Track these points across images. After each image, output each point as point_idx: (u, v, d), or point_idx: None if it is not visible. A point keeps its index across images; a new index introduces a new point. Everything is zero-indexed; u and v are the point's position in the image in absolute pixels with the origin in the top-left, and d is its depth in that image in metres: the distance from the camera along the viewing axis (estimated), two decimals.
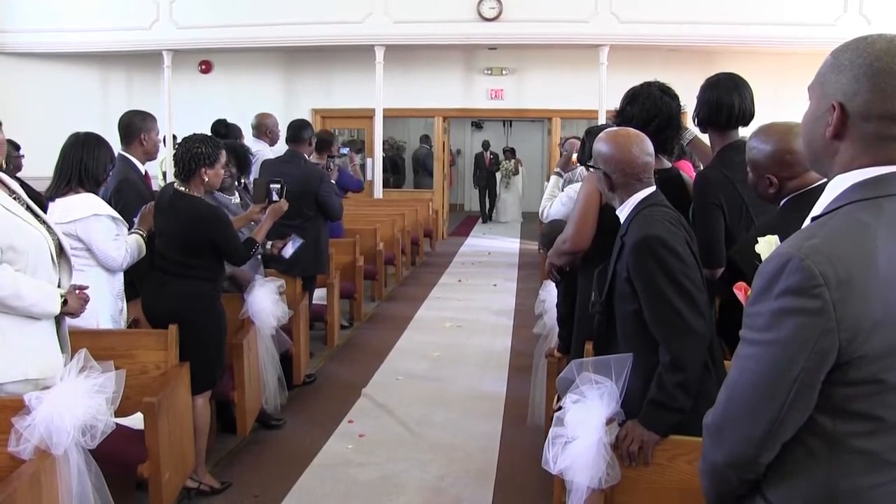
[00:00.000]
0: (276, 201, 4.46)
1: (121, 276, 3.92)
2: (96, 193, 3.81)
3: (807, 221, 1.44)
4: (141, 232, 3.96)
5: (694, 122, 3.42)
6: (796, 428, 1.35)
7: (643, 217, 2.59)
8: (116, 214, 3.84)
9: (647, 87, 3.35)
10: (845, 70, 1.36)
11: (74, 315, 3.01)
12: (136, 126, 4.62)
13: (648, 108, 3.24)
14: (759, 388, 1.36)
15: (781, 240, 1.55)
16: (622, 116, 3.32)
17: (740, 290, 1.88)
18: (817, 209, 1.42)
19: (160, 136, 4.77)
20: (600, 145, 2.75)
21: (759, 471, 1.42)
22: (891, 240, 1.30)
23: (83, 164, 3.72)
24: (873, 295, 1.27)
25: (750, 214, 3.25)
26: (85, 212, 3.69)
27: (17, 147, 6.80)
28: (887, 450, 1.31)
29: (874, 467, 1.31)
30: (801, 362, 1.30)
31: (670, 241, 2.48)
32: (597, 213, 3.17)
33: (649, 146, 2.72)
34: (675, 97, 3.34)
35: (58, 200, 3.70)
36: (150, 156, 4.71)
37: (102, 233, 3.72)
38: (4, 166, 2.87)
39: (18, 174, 5.59)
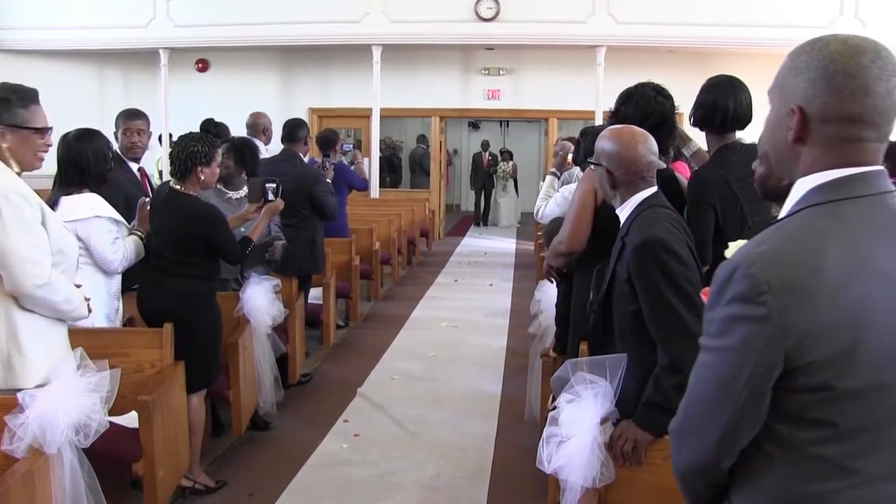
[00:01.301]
0: (271, 200, 4.46)
1: (118, 276, 3.92)
2: (100, 191, 3.81)
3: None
4: (140, 233, 3.95)
5: (690, 121, 3.43)
6: (752, 434, 1.34)
7: (645, 218, 2.57)
8: (119, 217, 3.84)
9: (641, 87, 3.35)
10: (802, 73, 1.35)
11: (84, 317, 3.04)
12: (115, 124, 4.70)
13: (643, 107, 3.24)
14: (712, 395, 1.36)
15: None
16: (616, 117, 3.32)
17: (705, 296, 1.88)
18: (782, 212, 1.42)
19: (132, 135, 4.70)
20: (604, 142, 2.72)
21: (721, 475, 1.42)
22: (842, 245, 1.28)
23: (81, 161, 3.71)
24: (820, 301, 1.25)
25: (745, 214, 3.27)
26: (87, 212, 3.69)
27: None
28: (844, 455, 1.29)
29: (832, 473, 1.30)
30: (749, 370, 1.29)
31: (672, 244, 2.47)
32: (592, 215, 3.16)
33: (654, 145, 2.70)
34: (668, 97, 3.34)
35: (62, 200, 3.70)
36: (129, 153, 4.70)
37: (102, 234, 3.71)
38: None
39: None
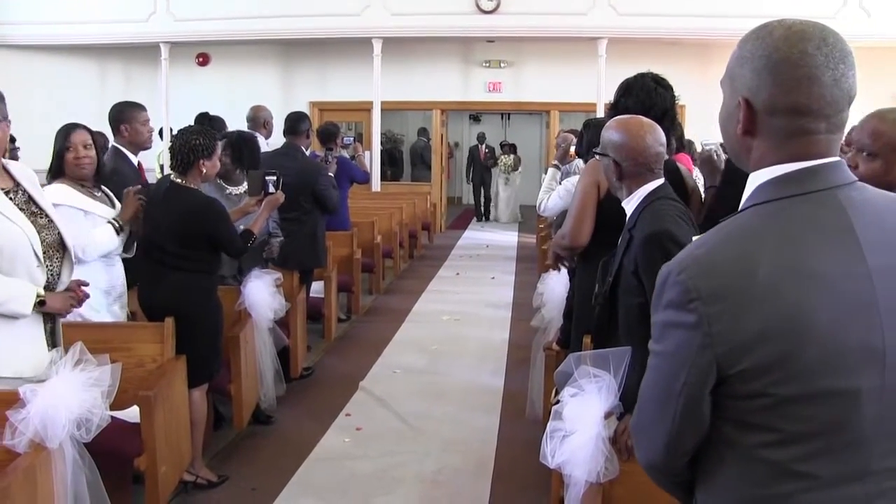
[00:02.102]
0: (271, 193, 4.44)
1: (114, 274, 3.87)
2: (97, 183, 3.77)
3: None
4: (115, 223, 3.81)
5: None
6: (698, 437, 1.31)
7: (653, 211, 2.55)
8: (88, 207, 3.74)
9: (641, 78, 3.33)
10: (747, 63, 1.30)
11: (61, 315, 2.96)
12: (115, 117, 4.65)
13: (643, 99, 3.22)
14: (655, 399, 1.34)
15: None
16: (617, 109, 3.29)
17: None
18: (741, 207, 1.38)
19: (147, 125, 4.70)
20: (611, 133, 2.68)
21: (676, 473, 1.40)
22: (779, 247, 1.23)
23: (57, 153, 3.73)
24: (752, 309, 1.21)
25: None
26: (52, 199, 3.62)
27: (11, 139, 6.74)
28: (793, 460, 1.25)
29: (782, 477, 1.26)
30: (684, 376, 1.26)
31: (681, 238, 2.44)
32: (595, 209, 3.14)
33: (662, 136, 2.67)
34: (669, 88, 3.32)
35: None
36: (137, 146, 4.68)
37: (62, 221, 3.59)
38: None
39: None
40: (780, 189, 1.29)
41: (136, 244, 3.97)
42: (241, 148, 4.95)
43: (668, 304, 1.28)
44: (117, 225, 3.81)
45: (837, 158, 1.31)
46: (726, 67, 1.37)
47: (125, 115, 4.65)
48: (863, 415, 1.24)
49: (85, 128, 3.82)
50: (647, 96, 3.24)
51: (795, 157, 1.29)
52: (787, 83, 1.26)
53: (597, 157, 2.85)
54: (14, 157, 6.23)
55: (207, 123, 6.04)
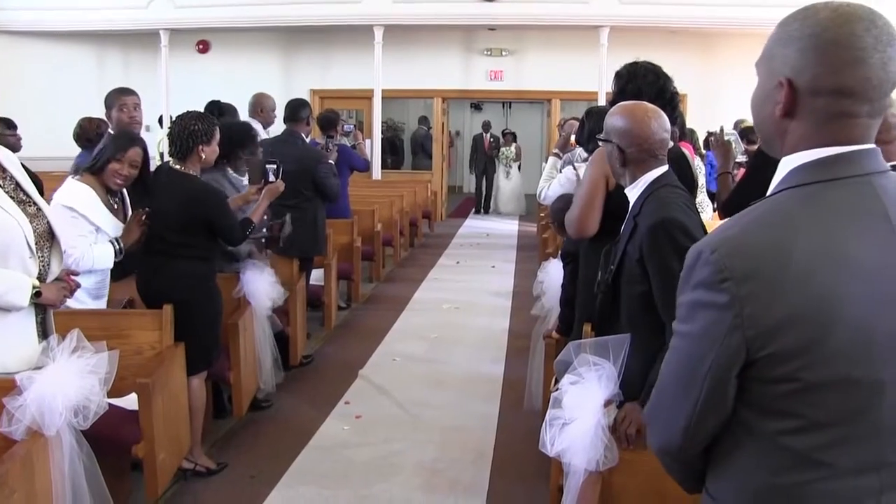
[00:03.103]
0: (272, 182, 4.42)
1: (99, 275, 3.81)
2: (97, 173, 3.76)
3: None
4: (116, 244, 3.75)
5: None
6: (719, 422, 1.30)
7: (658, 198, 2.51)
8: (100, 222, 3.69)
9: (637, 65, 3.30)
10: (792, 42, 1.27)
11: (55, 305, 2.93)
12: (104, 103, 4.65)
13: (651, 81, 3.19)
14: (678, 381, 1.33)
15: None
16: (625, 96, 3.25)
17: None
18: (769, 191, 1.35)
19: (127, 111, 4.62)
20: (615, 119, 2.64)
21: (690, 460, 1.39)
22: (814, 232, 1.22)
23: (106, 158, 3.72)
24: (785, 290, 1.19)
25: None
26: (66, 200, 3.62)
27: (10, 125, 6.70)
28: (814, 448, 1.24)
29: (801, 465, 1.25)
30: (711, 357, 1.25)
31: (688, 226, 2.42)
32: (603, 199, 3.10)
33: (667, 122, 2.63)
34: (666, 74, 3.31)
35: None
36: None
37: (67, 223, 3.48)
38: None
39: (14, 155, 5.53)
40: (814, 173, 1.27)
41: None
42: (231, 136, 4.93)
43: (698, 283, 1.26)
44: (118, 247, 3.74)
45: (873, 145, 1.29)
46: (764, 48, 1.35)
47: (108, 100, 4.66)
48: (885, 406, 1.23)
49: (141, 144, 3.79)
50: (656, 78, 3.21)
51: (833, 140, 1.27)
52: (834, 64, 1.24)
53: (600, 143, 2.81)
54: (11, 145, 6.22)
55: (217, 112, 6.02)
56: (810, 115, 1.28)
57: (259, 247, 4.81)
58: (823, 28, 1.24)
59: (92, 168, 3.71)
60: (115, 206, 3.82)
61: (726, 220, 1.32)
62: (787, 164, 1.31)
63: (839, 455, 1.24)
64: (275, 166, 4.43)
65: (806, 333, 1.20)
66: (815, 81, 1.26)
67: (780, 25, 1.32)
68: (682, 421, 1.33)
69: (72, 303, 3.41)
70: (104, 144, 3.81)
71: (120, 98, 4.64)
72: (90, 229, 3.66)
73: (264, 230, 4.73)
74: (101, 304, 3.90)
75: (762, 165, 3.10)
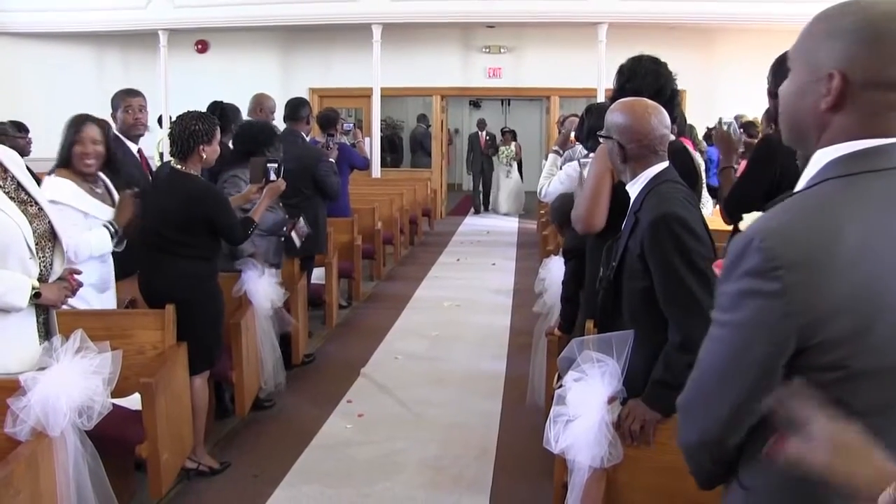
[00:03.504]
0: (273, 181, 4.42)
1: (103, 268, 3.84)
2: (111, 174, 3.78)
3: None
4: (111, 227, 3.76)
5: (769, 96, 3.38)
6: (762, 412, 1.30)
7: (659, 194, 2.51)
8: (87, 208, 3.71)
9: (640, 61, 3.30)
10: (844, 36, 1.28)
11: (56, 306, 2.92)
12: (111, 105, 4.65)
13: (651, 82, 3.19)
14: (722, 371, 1.33)
15: None
16: (624, 94, 3.25)
17: (718, 268, 1.77)
18: (799, 184, 1.37)
19: (132, 112, 4.64)
20: (615, 115, 2.65)
21: (727, 453, 1.39)
22: (859, 220, 1.23)
23: (67, 144, 3.72)
24: (834, 278, 1.20)
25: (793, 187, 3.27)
26: (47, 194, 3.60)
27: (21, 128, 6.72)
28: None
29: None
30: (761, 346, 1.26)
31: (689, 221, 2.42)
32: (609, 194, 3.10)
33: (667, 118, 2.64)
34: (667, 68, 3.31)
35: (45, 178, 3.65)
36: (128, 133, 4.65)
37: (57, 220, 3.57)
38: None
39: (24, 158, 5.55)
40: (856, 164, 1.28)
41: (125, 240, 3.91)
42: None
43: (747, 271, 1.26)
44: (112, 229, 3.75)
45: None
46: (801, 42, 1.36)
47: (114, 101, 4.69)
48: None
49: (96, 121, 3.80)
50: (655, 79, 3.21)
51: (877, 133, 1.28)
52: (887, 56, 1.25)
53: (601, 140, 2.81)
54: (24, 148, 6.23)
55: (220, 112, 6.02)
56: (858, 108, 1.29)
57: (279, 250, 4.85)
58: (877, 22, 1.26)
59: (61, 161, 3.73)
60: (100, 192, 3.84)
61: (769, 210, 1.32)
62: (824, 156, 1.32)
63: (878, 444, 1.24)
64: (276, 165, 4.43)
65: (854, 321, 1.21)
66: (867, 74, 1.27)
67: (825, 20, 1.32)
68: (724, 411, 1.33)
69: (77, 302, 3.46)
70: (63, 136, 3.79)
71: (126, 99, 4.67)
72: (79, 216, 3.67)
73: (284, 228, 4.78)
74: (109, 297, 3.93)
75: (765, 159, 3.10)
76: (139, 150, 4.75)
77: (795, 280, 1.21)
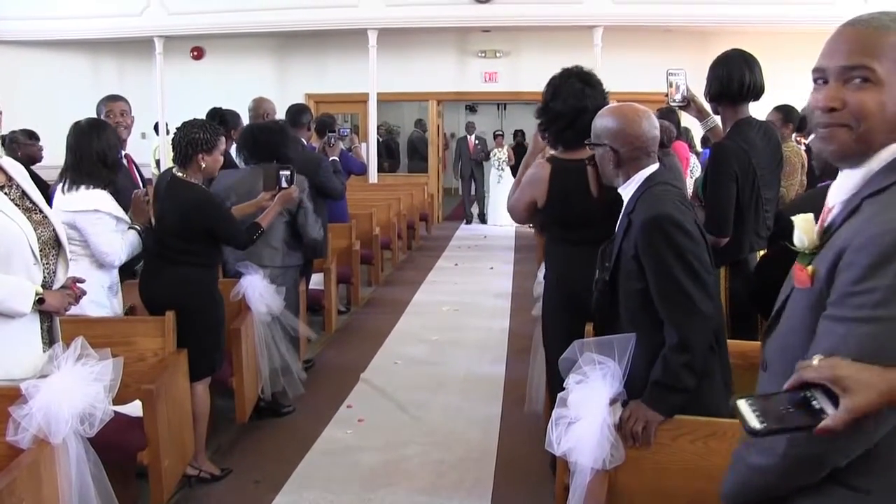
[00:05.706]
0: (285, 188, 4.41)
1: (113, 272, 3.92)
2: (112, 180, 3.86)
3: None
4: (137, 227, 3.92)
5: (706, 97, 3.42)
6: None
7: (652, 195, 2.55)
8: (121, 214, 3.86)
9: (567, 78, 3.38)
10: None
11: (59, 313, 2.93)
12: (96, 111, 4.74)
13: (573, 104, 3.30)
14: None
15: None
16: (547, 114, 3.39)
17: (802, 272, 1.57)
18: (867, 181, 1.37)
19: (113, 116, 4.69)
20: (606, 121, 2.69)
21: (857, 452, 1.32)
22: None
23: (92, 150, 3.79)
24: None
25: (759, 189, 3.30)
26: (88, 205, 3.72)
27: (32, 136, 6.73)
28: None
29: None
30: None
31: (682, 221, 2.45)
32: (533, 193, 3.38)
33: (656, 121, 2.70)
34: (598, 85, 3.39)
35: (67, 193, 3.75)
36: None
37: (100, 227, 3.73)
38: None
39: (35, 165, 5.60)
40: None
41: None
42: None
43: None
44: (139, 230, 3.92)
45: None
46: (872, 49, 1.36)
47: (97, 109, 4.79)
48: None
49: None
50: (577, 99, 3.28)
51: None
52: None
53: (590, 148, 2.85)
54: (31, 155, 6.27)
55: (220, 119, 6.03)
56: None
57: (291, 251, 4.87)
58: None
59: (85, 170, 3.81)
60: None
61: (886, 204, 1.32)
62: None
63: None
64: (288, 172, 4.42)
65: None
66: None
67: None
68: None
69: (93, 306, 3.62)
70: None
71: (107, 104, 4.80)
72: (114, 222, 3.81)
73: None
74: (119, 301, 4.02)
75: (723, 167, 3.26)
76: (126, 155, 4.77)
77: None
